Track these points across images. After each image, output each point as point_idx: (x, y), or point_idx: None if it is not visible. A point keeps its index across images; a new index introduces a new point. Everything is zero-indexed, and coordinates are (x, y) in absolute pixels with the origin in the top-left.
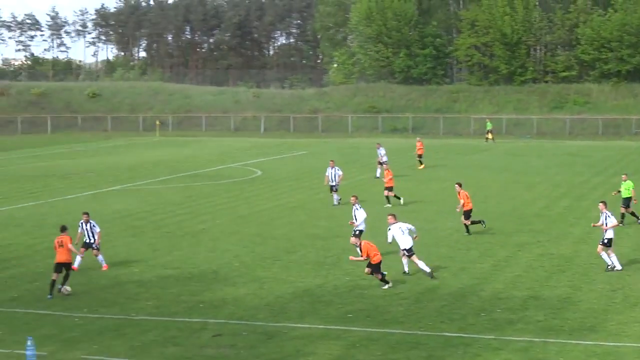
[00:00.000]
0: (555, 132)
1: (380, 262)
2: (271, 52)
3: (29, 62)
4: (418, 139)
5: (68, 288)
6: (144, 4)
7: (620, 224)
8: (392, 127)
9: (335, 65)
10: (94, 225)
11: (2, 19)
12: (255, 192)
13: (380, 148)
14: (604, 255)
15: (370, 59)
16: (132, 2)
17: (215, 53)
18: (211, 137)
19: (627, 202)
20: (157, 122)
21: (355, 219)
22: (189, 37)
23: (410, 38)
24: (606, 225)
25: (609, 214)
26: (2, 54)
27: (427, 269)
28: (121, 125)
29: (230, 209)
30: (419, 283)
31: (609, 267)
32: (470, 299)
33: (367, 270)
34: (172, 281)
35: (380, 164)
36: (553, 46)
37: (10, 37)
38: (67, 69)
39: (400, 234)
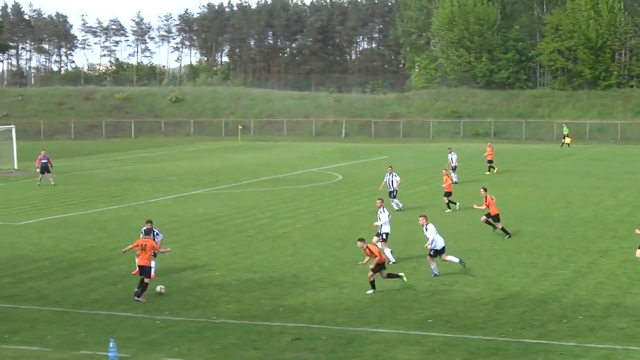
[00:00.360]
0: None
1: (383, 263)
2: (353, 57)
3: (113, 67)
4: (489, 144)
5: (162, 287)
6: (227, 9)
7: None
8: (473, 131)
9: (417, 69)
10: (157, 234)
11: (87, 25)
12: (336, 196)
13: (452, 153)
14: None
15: (452, 63)
16: (216, 7)
17: (297, 58)
18: (292, 142)
19: None
20: (239, 127)
21: (379, 220)
22: (271, 42)
23: (492, 42)
24: None
25: None
26: (87, 60)
27: (457, 259)
28: (203, 129)
29: (310, 213)
30: (500, 289)
31: None
32: (551, 305)
33: (374, 269)
34: (253, 285)
35: (453, 169)
36: (638, 50)
37: (95, 43)
38: (150, 74)
39: (435, 233)
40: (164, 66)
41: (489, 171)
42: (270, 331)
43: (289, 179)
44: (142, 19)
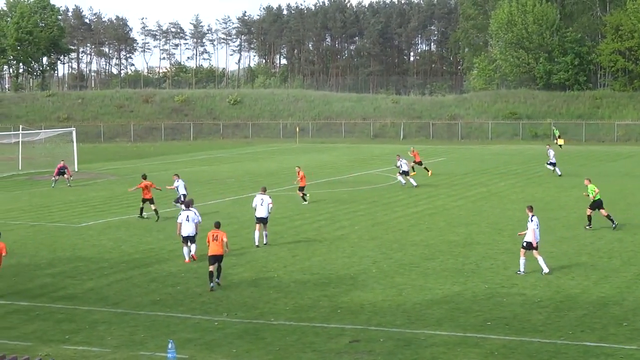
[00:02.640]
0: None
1: None
2: (412, 59)
3: (172, 70)
4: (412, 148)
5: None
6: (285, 12)
7: None
8: (532, 133)
9: (475, 71)
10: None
11: (147, 28)
12: (394, 198)
13: (401, 159)
14: None
15: (510, 64)
16: (274, 10)
17: (355, 60)
18: (350, 144)
19: None
20: (297, 129)
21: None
22: (329, 44)
23: (551, 43)
24: None
25: None
26: (147, 63)
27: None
28: (262, 131)
29: (368, 215)
30: (559, 291)
31: None
32: (612, 308)
33: None
34: (311, 286)
35: (404, 173)
36: None
37: (155, 46)
38: (209, 76)
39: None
40: (222, 69)
41: (427, 171)
42: (327, 333)
43: (347, 181)
44: (201, 22)
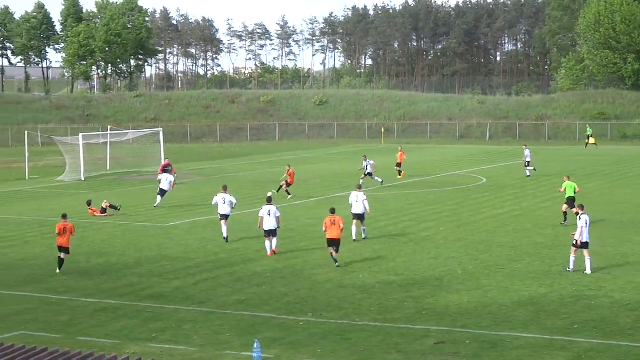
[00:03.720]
0: None
1: None
2: (498, 59)
3: (258, 70)
4: (400, 148)
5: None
6: (371, 12)
7: None
8: (621, 134)
9: (563, 71)
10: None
11: (233, 29)
12: (480, 199)
13: (367, 161)
14: None
15: (598, 64)
16: (360, 10)
17: (441, 60)
18: (436, 145)
19: None
20: (382, 129)
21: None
22: (415, 44)
23: None
24: None
25: None
26: (233, 63)
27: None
28: (347, 132)
29: (454, 216)
30: None
31: None
32: None
33: None
34: (395, 287)
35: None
36: None
37: (241, 47)
38: (295, 77)
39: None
40: (308, 69)
41: (400, 175)
42: (413, 334)
43: (432, 181)
44: (286, 23)
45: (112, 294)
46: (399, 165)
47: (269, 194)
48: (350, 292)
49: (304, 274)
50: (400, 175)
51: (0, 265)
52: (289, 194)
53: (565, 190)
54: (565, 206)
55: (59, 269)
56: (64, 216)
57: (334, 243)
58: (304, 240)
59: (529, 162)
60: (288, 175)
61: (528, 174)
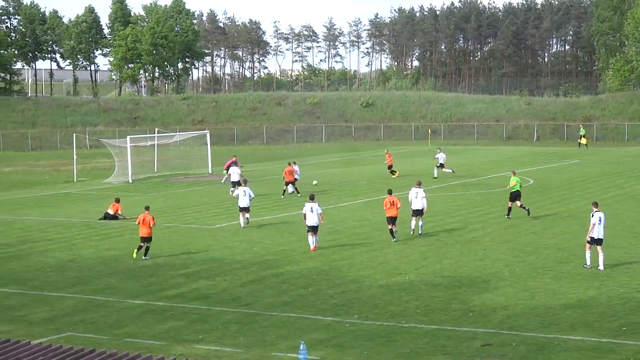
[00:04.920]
0: None
1: None
2: (545, 59)
3: (305, 72)
4: (386, 150)
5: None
6: (418, 13)
7: None
8: None
9: (611, 71)
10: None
11: (280, 31)
12: (527, 200)
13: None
14: None
15: None
16: (406, 12)
17: (488, 61)
18: (483, 146)
19: None
20: (429, 131)
21: None
22: (462, 45)
23: None
24: None
25: None
26: (279, 65)
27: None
28: (393, 134)
29: (501, 218)
30: None
31: None
32: None
33: None
34: (442, 289)
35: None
36: None
37: (287, 49)
38: (341, 78)
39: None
40: (354, 71)
41: (393, 174)
42: (459, 336)
43: (479, 183)
44: (333, 25)
45: (159, 295)
46: (390, 167)
47: (312, 188)
48: (396, 294)
49: (349, 275)
50: (394, 175)
51: (48, 267)
52: (284, 193)
53: (516, 184)
54: (510, 202)
55: (145, 256)
56: (147, 208)
57: (393, 220)
58: (350, 242)
59: (442, 164)
60: (287, 173)
61: (435, 174)
